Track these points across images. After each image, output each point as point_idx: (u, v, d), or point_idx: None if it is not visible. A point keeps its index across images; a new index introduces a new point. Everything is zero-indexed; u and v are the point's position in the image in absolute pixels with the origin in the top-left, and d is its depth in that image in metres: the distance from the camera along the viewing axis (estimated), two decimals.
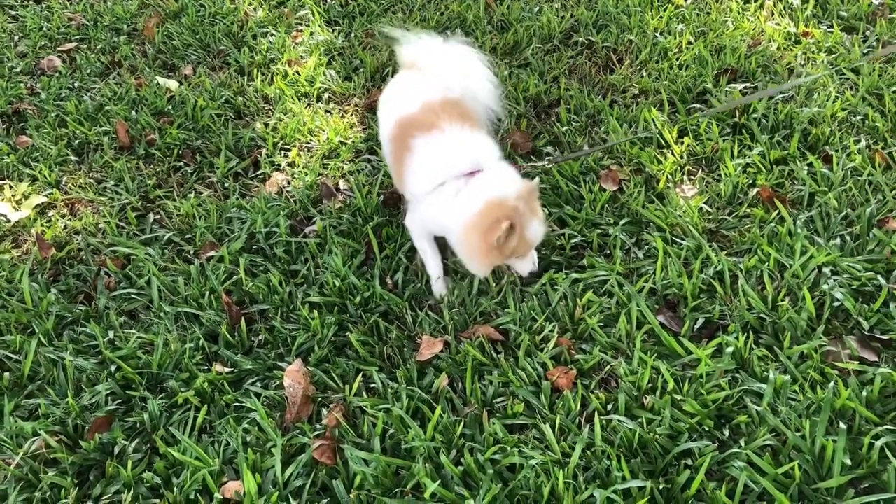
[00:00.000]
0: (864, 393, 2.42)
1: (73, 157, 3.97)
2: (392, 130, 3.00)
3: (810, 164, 3.47)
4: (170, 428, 2.58)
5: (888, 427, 2.32)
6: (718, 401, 2.47)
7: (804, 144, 3.62)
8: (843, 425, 2.29)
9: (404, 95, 3.07)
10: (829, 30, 4.50)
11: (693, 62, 4.29)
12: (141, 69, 4.70)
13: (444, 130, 2.79)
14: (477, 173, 2.72)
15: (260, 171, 3.82)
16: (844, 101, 3.82)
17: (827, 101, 3.82)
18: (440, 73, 3.11)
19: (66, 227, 3.55)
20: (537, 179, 2.70)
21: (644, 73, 4.28)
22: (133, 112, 4.23)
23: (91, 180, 3.81)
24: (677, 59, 4.35)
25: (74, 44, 5.07)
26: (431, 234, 3.04)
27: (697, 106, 3.95)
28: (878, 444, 2.24)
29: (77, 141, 4.08)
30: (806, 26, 4.53)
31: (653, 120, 3.80)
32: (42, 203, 3.68)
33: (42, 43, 5.08)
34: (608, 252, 3.16)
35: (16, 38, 5.20)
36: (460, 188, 2.71)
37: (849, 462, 2.22)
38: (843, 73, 4.09)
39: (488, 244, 2.59)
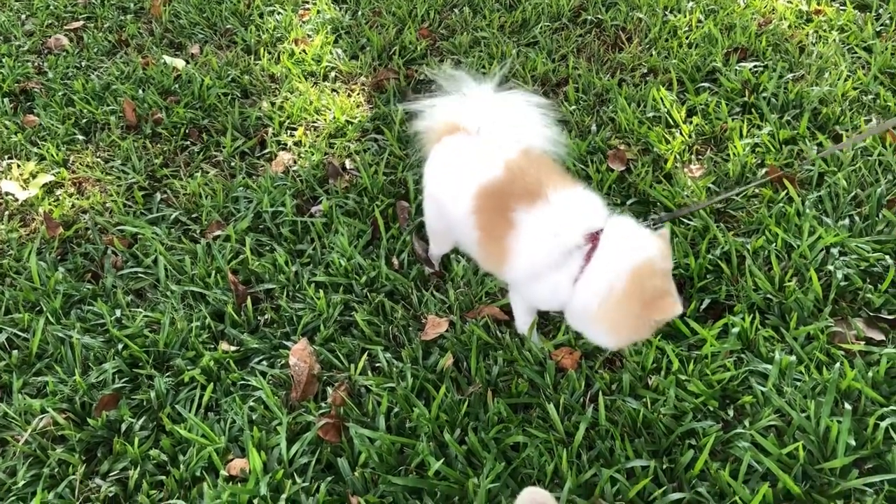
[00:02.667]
0: (870, 374, 2.42)
1: (80, 137, 3.97)
2: (475, 203, 2.43)
3: (820, 144, 3.44)
4: (176, 406, 2.59)
5: (893, 408, 2.31)
6: (723, 381, 2.46)
7: (814, 124, 3.58)
8: (848, 406, 2.28)
9: (474, 163, 2.50)
10: (841, 8, 4.44)
11: (703, 41, 4.24)
12: (148, 48, 4.69)
13: (548, 197, 2.31)
14: (597, 235, 2.28)
15: (266, 151, 3.81)
16: (856, 80, 3.78)
17: (838, 80, 3.78)
18: (498, 131, 2.62)
19: (73, 206, 3.56)
20: (667, 230, 2.32)
21: (653, 52, 4.24)
22: (140, 91, 4.23)
23: (98, 159, 3.82)
24: (687, 38, 4.30)
25: (81, 22, 5.05)
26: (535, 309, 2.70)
27: (706, 85, 3.92)
28: (884, 424, 2.24)
29: (84, 120, 4.08)
30: (818, 4, 4.47)
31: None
32: (50, 182, 3.69)
33: (49, 21, 5.07)
34: None
35: (23, 16, 5.19)
36: (585, 257, 2.27)
37: (853, 443, 2.22)
38: (855, 52, 4.04)
39: (647, 317, 2.17)
